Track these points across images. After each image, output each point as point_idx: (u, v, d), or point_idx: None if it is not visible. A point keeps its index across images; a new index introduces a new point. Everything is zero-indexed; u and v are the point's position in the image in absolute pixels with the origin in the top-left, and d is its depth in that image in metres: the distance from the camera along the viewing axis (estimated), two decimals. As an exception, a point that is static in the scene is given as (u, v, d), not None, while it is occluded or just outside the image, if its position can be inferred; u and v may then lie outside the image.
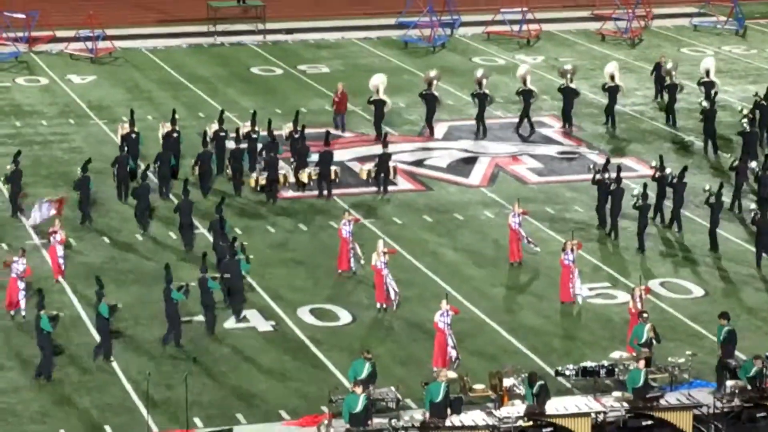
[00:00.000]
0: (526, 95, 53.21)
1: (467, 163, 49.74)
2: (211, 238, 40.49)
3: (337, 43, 67.98)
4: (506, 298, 38.94)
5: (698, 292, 39.29)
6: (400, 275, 38.61)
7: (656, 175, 44.01)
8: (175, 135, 47.15)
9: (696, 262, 41.31)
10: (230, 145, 47.20)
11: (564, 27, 71.08)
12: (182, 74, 61.40)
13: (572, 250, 37.98)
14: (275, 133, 47.23)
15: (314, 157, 46.54)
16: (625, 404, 31.42)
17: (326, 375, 33.95)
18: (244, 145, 46.72)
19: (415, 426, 30.39)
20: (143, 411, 31.72)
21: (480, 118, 52.96)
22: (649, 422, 31.49)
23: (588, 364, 32.94)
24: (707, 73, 54.96)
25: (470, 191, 47.21)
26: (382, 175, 46.72)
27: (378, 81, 52.79)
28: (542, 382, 31.35)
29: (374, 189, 46.78)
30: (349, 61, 63.33)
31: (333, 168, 46.47)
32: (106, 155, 45.92)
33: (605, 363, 32.95)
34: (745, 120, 49.85)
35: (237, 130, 47.39)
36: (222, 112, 50.14)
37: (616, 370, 32.73)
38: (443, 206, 45.75)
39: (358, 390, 30.31)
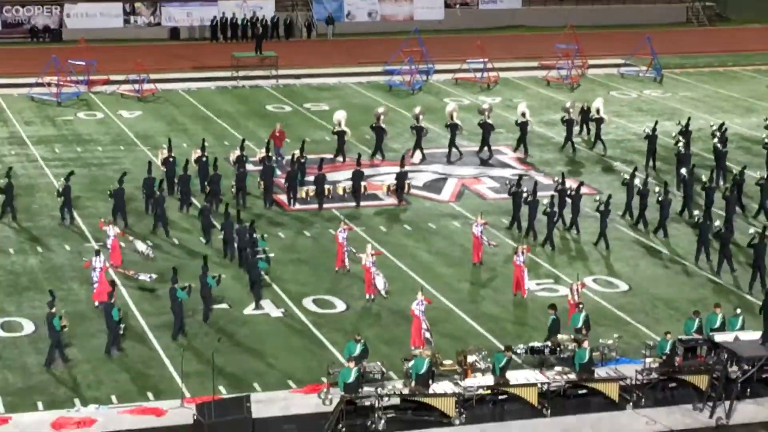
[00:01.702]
0: (453, 128, 53.19)
1: (439, 182, 49.74)
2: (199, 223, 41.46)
3: (335, 86, 67.96)
4: (470, 292, 38.94)
5: (623, 286, 39.33)
6: (385, 272, 38.56)
7: (558, 188, 44.39)
8: (204, 159, 47.10)
9: (620, 261, 41.38)
10: (250, 167, 47.47)
11: (517, 74, 71.13)
12: (211, 110, 61.35)
13: (522, 252, 38.00)
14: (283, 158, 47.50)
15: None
16: (565, 377, 31.46)
17: (325, 352, 33.93)
18: (251, 168, 46.97)
19: (397, 393, 30.44)
20: (178, 380, 31.69)
21: (418, 146, 52.75)
22: (584, 391, 31.55)
23: (535, 344, 32.98)
24: (597, 111, 55.26)
25: (441, 205, 47.19)
26: (400, 189, 47.08)
27: (340, 116, 52.88)
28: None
29: (389, 202, 46.98)
30: (345, 101, 63.27)
31: (363, 183, 46.64)
32: (153, 175, 45.66)
33: (549, 344, 32.98)
34: (716, 140, 50.55)
35: (239, 157, 47.48)
36: (243, 140, 50.10)
37: (558, 349, 32.77)
38: (419, 217, 45.72)
39: (351, 365, 30.32)
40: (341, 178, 48.74)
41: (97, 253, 37.19)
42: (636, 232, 44.01)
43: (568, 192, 44.12)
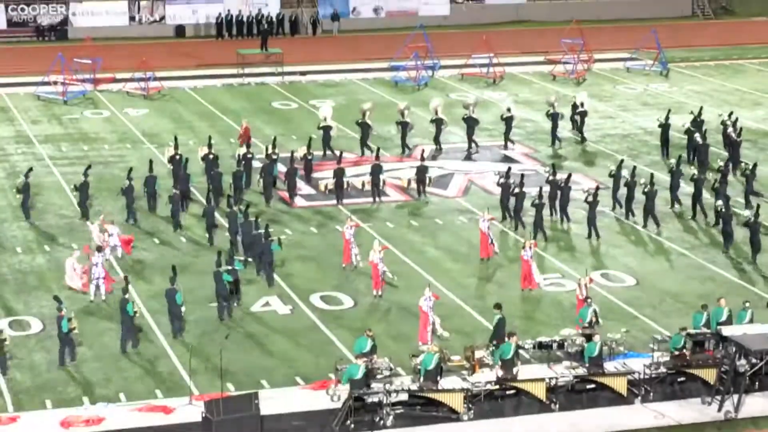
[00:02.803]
0: (438, 123, 53.20)
1: (446, 178, 49.68)
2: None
3: (341, 82, 67.97)
4: (477, 287, 38.91)
5: (631, 281, 39.29)
6: (392, 268, 38.59)
7: (549, 179, 44.75)
8: (211, 157, 47.14)
9: (628, 256, 41.35)
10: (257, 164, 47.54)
11: (523, 69, 71.10)
12: (217, 108, 61.38)
13: (530, 247, 38.01)
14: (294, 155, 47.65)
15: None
16: (573, 371, 31.43)
17: (333, 349, 33.92)
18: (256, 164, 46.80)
19: (405, 389, 30.42)
20: (186, 378, 31.71)
21: (403, 141, 52.81)
22: (592, 386, 31.52)
23: (543, 339, 32.92)
24: (581, 104, 55.45)
25: (448, 201, 47.18)
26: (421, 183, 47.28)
27: (326, 111, 53.00)
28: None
29: (396, 198, 47.11)
30: (350, 97, 63.26)
31: (381, 177, 46.79)
32: (155, 173, 45.72)
33: (557, 338, 32.94)
34: (730, 129, 51.15)
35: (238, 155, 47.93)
36: (249, 138, 50.05)
37: (566, 344, 32.71)
38: (426, 213, 45.72)
39: (359, 361, 30.33)
40: (358, 172, 48.92)
41: (99, 249, 37.26)
42: (643, 226, 43.99)
43: (559, 183, 44.26)
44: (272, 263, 38.29)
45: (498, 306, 33.56)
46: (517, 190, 43.46)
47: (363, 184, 47.43)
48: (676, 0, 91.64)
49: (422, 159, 48.26)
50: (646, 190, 43.75)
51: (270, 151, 47.76)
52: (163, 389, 31.47)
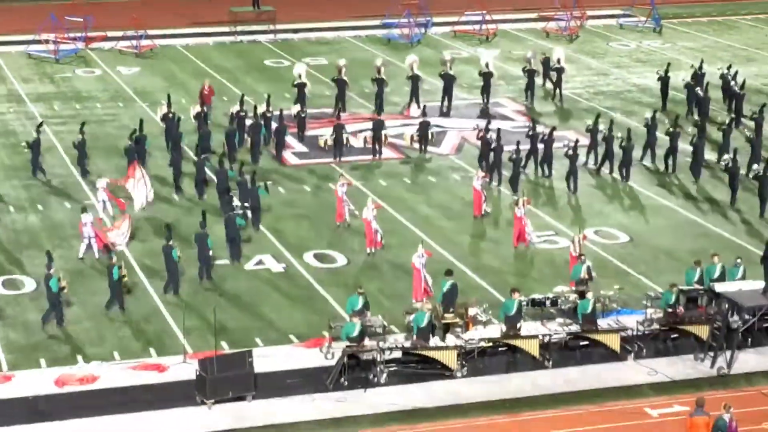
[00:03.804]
0: (414, 79, 53.06)
1: (439, 135, 49.52)
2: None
3: (334, 40, 67.64)
4: (470, 244, 38.88)
5: (624, 237, 39.27)
6: (385, 226, 38.54)
7: (530, 133, 44.78)
8: (203, 115, 47.02)
9: (621, 212, 41.32)
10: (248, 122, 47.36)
11: (516, 26, 70.79)
12: (209, 66, 61.08)
13: (523, 204, 37.97)
14: (285, 113, 47.44)
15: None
16: (567, 328, 31.44)
17: (327, 307, 33.92)
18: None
19: (399, 347, 30.42)
20: (180, 336, 31.69)
21: (379, 97, 52.41)
22: (585, 342, 31.55)
23: (536, 296, 32.88)
24: (558, 60, 55.15)
25: (441, 158, 47.06)
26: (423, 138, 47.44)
27: (300, 69, 52.75)
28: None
29: (408, 152, 47.29)
30: (343, 55, 62.77)
31: (383, 132, 46.69)
32: (148, 132, 45.58)
33: (550, 295, 32.91)
34: (732, 82, 51.55)
35: (255, 109, 47.45)
36: (242, 96, 49.86)
37: (559, 301, 32.69)
38: (420, 171, 45.61)
39: (355, 319, 30.32)
40: (357, 129, 48.89)
41: (84, 210, 37.18)
42: (635, 183, 43.93)
43: (542, 137, 44.12)
44: (259, 208, 38.93)
45: (449, 272, 33.20)
46: (494, 144, 43.38)
47: (365, 140, 47.32)
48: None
49: (424, 114, 48.10)
50: (623, 144, 43.73)
51: (264, 109, 47.59)
52: (157, 348, 31.45)
